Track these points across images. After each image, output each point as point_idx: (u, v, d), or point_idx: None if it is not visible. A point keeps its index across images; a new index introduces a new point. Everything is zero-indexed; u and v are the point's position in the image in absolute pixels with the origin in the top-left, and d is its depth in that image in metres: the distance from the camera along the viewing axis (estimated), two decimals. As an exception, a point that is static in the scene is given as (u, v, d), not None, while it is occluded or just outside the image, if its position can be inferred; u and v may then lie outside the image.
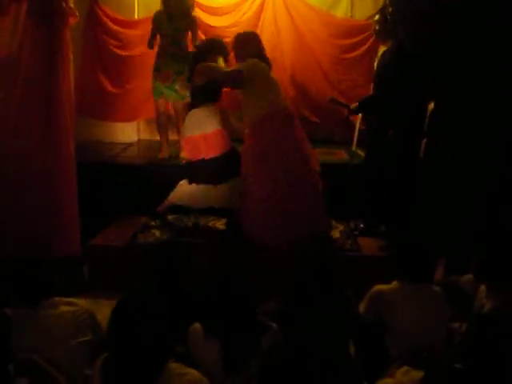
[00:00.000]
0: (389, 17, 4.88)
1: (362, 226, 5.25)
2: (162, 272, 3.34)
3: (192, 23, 6.17)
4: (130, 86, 7.10)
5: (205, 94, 5.01)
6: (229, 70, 4.95)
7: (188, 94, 5.54)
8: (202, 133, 4.99)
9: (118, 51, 7.08)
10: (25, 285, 3.01)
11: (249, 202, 4.86)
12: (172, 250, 3.49)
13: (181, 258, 3.40)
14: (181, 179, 5.22)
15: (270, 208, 4.78)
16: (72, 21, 4.62)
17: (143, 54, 6.80)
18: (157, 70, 6.07)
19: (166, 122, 6.34)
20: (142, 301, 2.37)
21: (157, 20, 6.06)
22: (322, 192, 4.93)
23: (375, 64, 5.17)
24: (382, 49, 5.17)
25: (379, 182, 4.95)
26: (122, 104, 7.14)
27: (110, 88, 7.10)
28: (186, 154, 5.34)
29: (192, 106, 5.17)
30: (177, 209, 5.37)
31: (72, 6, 4.58)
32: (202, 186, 5.03)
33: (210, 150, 5.00)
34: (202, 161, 5.02)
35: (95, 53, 7.06)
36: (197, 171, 5.07)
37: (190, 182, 5.11)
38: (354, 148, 5.78)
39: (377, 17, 5.15)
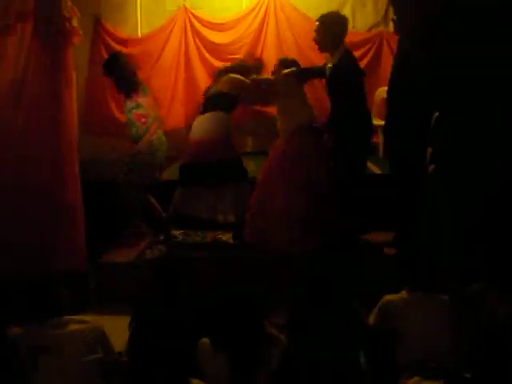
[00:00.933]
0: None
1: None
2: (163, 287, 3.35)
3: None
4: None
5: (216, 102, 5.13)
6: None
7: None
8: (200, 137, 5.10)
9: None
10: (35, 303, 3.02)
11: (269, 209, 4.93)
12: (171, 264, 3.49)
13: (181, 273, 3.40)
14: None
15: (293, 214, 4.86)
16: (76, 40, 4.65)
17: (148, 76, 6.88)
18: None
19: None
20: (155, 316, 2.38)
21: None
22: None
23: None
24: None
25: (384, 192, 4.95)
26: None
27: (117, 114, 7.12)
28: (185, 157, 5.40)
29: (202, 111, 5.26)
30: (184, 222, 5.37)
31: (76, 25, 4.61)
32: (195, 190, 5.11)
33: (206, 155, 5.06)
34: (195, 163, 5.13)
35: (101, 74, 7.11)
36: (188, 173, 5.16)
37: (180, 184, 5.20)
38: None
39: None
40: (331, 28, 4.80)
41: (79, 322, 3.00)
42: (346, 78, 4.72)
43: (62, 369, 2.83)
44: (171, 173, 6.05)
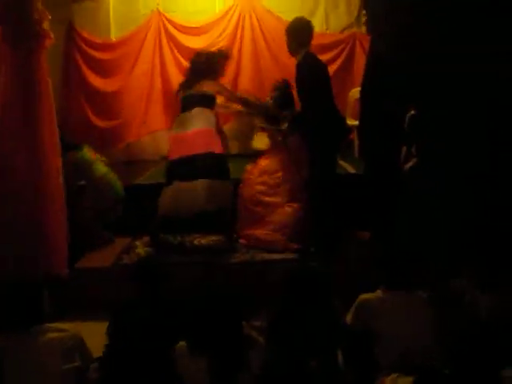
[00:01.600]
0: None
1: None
2: (142, 290, 3.32)
3: None
4: (114, 120, 7.24)
5: (198, 100, 5.18)
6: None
7: None
8: (180, 132, 5.17)
9: (97, 83, 7.18)
10: (15, 310, 2.99)
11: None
12: (150, 268, 3.47)
13: (160, 276, 3.39)
14: None
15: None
16: (48, 43, 4.57)
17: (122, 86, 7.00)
18: None
19: None
20: (133, 322, 2.37)
21: None
22: None
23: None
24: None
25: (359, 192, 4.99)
26: (109, 133, 7.21)
27: (93, 120, 7.16)
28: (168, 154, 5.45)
29: (182, 110, 5.31)
30: (167, 226, 5.35)
31: (47, 28, 4.54)
32: (180, 185, 5.10)
33: (189, 149, 5.09)
34: (178, 159, 5.15)
35: (76, 80, 7.13)
36: (172, 170, 5.19)
37: (166, 183, 5.20)
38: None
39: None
40: (295, 34, 4.92)
41: (58, 331, 2.97)
42: (307, 74, 4.82)
43: (42, 378, 2.81)
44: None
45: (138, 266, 3.55)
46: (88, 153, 5.45)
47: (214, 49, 5.83)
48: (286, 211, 5.11)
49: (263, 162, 5.35)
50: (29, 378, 2.82)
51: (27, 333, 2.92)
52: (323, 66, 4.99)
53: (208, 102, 5.22)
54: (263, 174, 5.27)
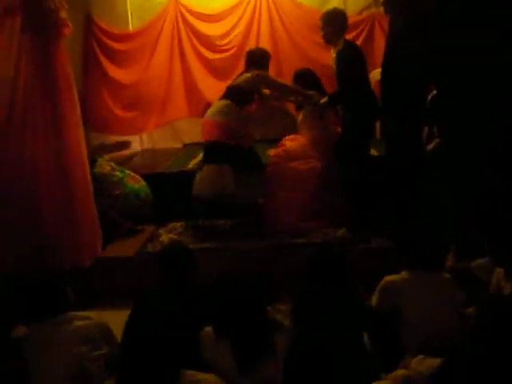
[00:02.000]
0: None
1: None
2: (169, 275, 3.32)
3: None
4: (134, 110, 7.27)
5: (231, 93, 5.21)
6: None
7: None
8: (206, 118, 5.23)
9: (117, 73, 7.21)
10: (38, 301, 3.02)
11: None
12: (177, 251, 3.47)
13: (186, 260, 3.39)
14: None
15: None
16: (66, 32, 4.58)
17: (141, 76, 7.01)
18: None
19: None
20: (153, 308, 2.37)
21: None
22: None
23: None
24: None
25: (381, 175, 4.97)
26: (130, 122, 7.25)
27: (114, 109, 7.21)
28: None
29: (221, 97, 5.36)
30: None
31: (64, 16, 4.55)
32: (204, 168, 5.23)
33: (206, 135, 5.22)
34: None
35: (96, 70, 7.15)
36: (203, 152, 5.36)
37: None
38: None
39: None
40: (333, 23, 5.06)
41: (83, 319, 3.00)
42: (351, 60, 4.99)
43: (69, 366, 2.83)
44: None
45: (162, 253, 3.54)
46: (101, 166, 5.49)
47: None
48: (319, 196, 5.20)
49: (291, 146, 5.42)
50: (55, 367, 2.84)
51: (52, 322, 2.94)
52: (362, 52, 5.18)
53: (231, 94, 5.21)
54: (294, 159, 5.34)
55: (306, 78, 5.49)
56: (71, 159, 4.73)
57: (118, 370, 2.33)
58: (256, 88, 5.32)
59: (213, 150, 5.16)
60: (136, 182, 5.55)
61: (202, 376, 2.35)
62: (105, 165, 5.50)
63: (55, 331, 2.91)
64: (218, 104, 5.22)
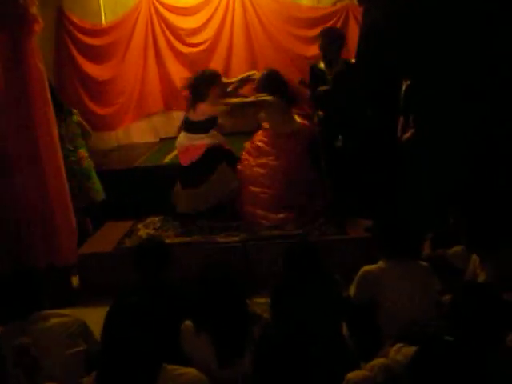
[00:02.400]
0: None
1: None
2: (146, 270, 3.32)
3: None
4: (110, 105, 7.24)
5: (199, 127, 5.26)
6: None
7: None
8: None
9: (90, 69, 7.15)
10: (15, 298, 2.99)
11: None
12: (153, 246, 3.45)
13: (162, 255, 3.38)
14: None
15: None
16: (37, 28, 4.50)
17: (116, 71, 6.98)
18: None
19: None
20: (132, 304, 2.36)
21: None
22: None
23: None
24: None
25: (358, 164, 4.99)
26: (106, 118, 7.22)
27: (90, 105, 7.15)
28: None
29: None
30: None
31: (34, 12, 4.47)
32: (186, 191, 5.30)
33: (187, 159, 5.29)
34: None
35: (69, 66, 7.10)
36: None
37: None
38: None
39: None
40: (336, 43, 5.29)
41: (60, 316, 2.98)
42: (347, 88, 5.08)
43: (46, 363, 2.81)
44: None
45: (138, 248, 3.52)
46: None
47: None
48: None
49: (260, 142, 5.40)
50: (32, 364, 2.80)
51: (27, 320, 2.91)
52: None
53: (196, 129, 5.26)
54: (261, 155, 5.34)
55: (270, 84, 5.32)
56: (45, 158, 4.66)
57: (99, 366, 2.31)
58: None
59: (188, 175, 5.26)
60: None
61: (183, 370, 2.34)
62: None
63: (33, 329, 2.88)
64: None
